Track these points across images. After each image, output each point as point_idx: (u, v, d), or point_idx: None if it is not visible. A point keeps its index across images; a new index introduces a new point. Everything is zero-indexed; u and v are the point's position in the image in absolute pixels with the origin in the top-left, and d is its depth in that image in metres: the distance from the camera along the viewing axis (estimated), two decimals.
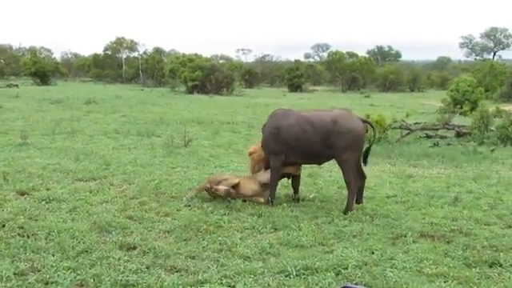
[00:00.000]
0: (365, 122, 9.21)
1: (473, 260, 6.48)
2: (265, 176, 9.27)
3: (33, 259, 6.18)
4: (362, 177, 9.06)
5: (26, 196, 9.08)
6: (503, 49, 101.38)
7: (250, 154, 9.70)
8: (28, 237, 6.95)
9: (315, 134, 8.69)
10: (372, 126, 9.61)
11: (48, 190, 9.51)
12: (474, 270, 6.22)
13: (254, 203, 8.91)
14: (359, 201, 8.99)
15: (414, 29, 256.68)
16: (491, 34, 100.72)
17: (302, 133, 8.78)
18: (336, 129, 8.58)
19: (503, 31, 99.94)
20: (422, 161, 13.89)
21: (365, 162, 9.22)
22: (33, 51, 74.06)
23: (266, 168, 9.37)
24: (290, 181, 9.62)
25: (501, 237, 7.41)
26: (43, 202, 8.65)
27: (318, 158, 9.16)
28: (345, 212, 8.49)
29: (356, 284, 5.71)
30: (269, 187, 9.18)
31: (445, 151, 15.28)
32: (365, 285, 5.75)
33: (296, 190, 9.44)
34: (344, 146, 8.59)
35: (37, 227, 7.27)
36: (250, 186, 9.19)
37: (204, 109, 30.26)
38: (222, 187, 9.02)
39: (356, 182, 8.81)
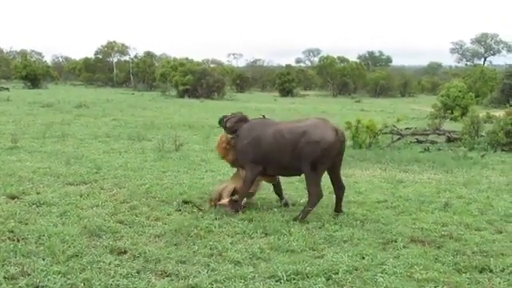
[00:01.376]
0: (337, 132, 8.58)
1: (463, 265, 6.49)
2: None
3: (23, 263, 6.14)
4: (341, 188, 8.88)
5: (16, 200, 9.01)
6: (493, 54, 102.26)
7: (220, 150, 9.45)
8: (18, 241, 6.90)
9: (285, 145, 8.48)
10: (343, 139, 9.05)
11: (38, 193, 9.46)
12: (464, 275, 6.24)
13: (244, 208, 8.87)
14: (338, 210, 8.86)
15: (405, 34, 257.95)
16: (482, 40, 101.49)
17: (275, 144, 8.59)
18: (304, 139, 8.36)
19: (494, 37, 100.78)
20: (412, 166, 13.90)
21: None
22: (23, 54, 74.07)
23: None
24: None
25: (491, 242, 7.43)
26: (33, 206, 8.60)
27: (290, 170, 8.88)
28: (295, 219, 8.31)
29: None
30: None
31: (435, 156, 15.32)
32: None
33: (280, 195, 9.41)
34: (310, 156, 8.33)
35: (27, 231, 7.23)
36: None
37: (195, 113, 30.28)
38: (225, 200, 8.88)
39: (319, 197, 8.57)
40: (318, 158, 8.35)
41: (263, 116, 9.47)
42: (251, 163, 8.84)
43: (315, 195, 8.53)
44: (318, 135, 8.35)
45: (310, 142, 8.33)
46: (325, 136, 8.36)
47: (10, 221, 7.66)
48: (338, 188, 8.88)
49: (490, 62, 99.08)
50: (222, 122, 9.39)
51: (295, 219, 8.31)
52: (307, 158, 8.35)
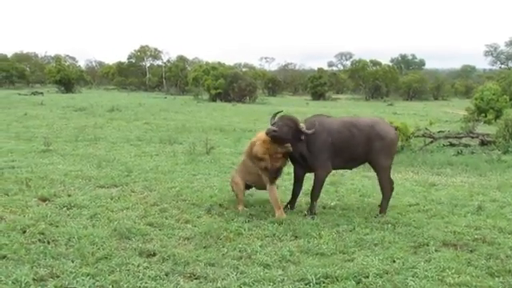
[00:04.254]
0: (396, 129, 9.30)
1: (496, 269, 6.37)
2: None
3: (52, 265, 6.18)
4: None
5: (47, 202, 9.09)
6: None
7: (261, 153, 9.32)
8: (48, 243, 6.96)
9: (360, 137, 8.70)
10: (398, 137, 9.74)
11: (69, 196, 9.52)
12: (497, 279, 6.12)
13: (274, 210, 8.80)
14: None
15: (438, 37, 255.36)
16: None
17: (351, 137, 8.71)
18: (373, 133, 8.68)
19: None
20: (445, 169, 13.75)
21: None
22: (58, 59, 74.85)
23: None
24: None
25: None
26: (64, 209, 8.66)
27: (358, 162, 9.19)
28: (376, 216, 8.58)
29: None
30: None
31: (468, 160, 15.11)
32: None
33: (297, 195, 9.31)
34: (379, 150, 8.70)
35: (57, 233, 7.28)
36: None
37: (226, 117, 30.32)
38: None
39: (391, 190, 9.04)
40: (385, 153, 8.77)
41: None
42: (325, 160, 8.76)
43: (388, 189, 8.95)
44: (384, 130, 8.81)
45: (378, 136, 8.70)
46: (388, 131, 8.88)
47: (41, 223, 7.71)
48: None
49: None
50: (285, 126, 9.24)
51: (376, 217, 8.58)
52: (377, 151, 8.72)
